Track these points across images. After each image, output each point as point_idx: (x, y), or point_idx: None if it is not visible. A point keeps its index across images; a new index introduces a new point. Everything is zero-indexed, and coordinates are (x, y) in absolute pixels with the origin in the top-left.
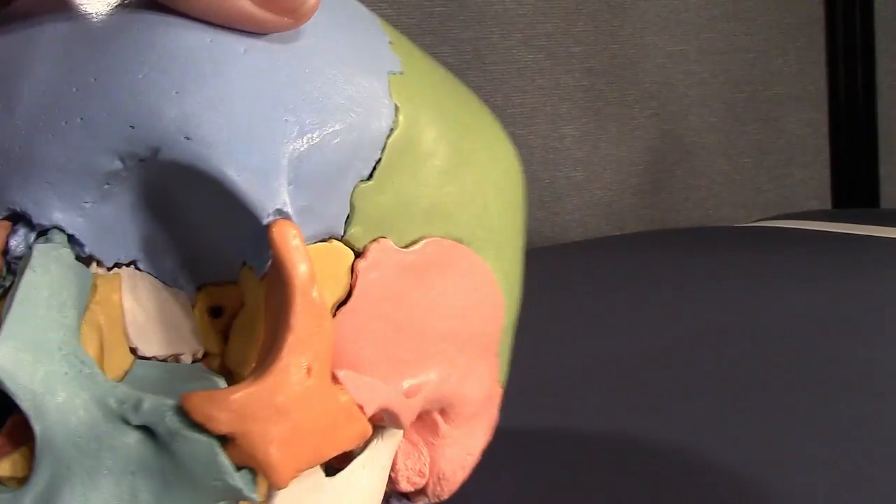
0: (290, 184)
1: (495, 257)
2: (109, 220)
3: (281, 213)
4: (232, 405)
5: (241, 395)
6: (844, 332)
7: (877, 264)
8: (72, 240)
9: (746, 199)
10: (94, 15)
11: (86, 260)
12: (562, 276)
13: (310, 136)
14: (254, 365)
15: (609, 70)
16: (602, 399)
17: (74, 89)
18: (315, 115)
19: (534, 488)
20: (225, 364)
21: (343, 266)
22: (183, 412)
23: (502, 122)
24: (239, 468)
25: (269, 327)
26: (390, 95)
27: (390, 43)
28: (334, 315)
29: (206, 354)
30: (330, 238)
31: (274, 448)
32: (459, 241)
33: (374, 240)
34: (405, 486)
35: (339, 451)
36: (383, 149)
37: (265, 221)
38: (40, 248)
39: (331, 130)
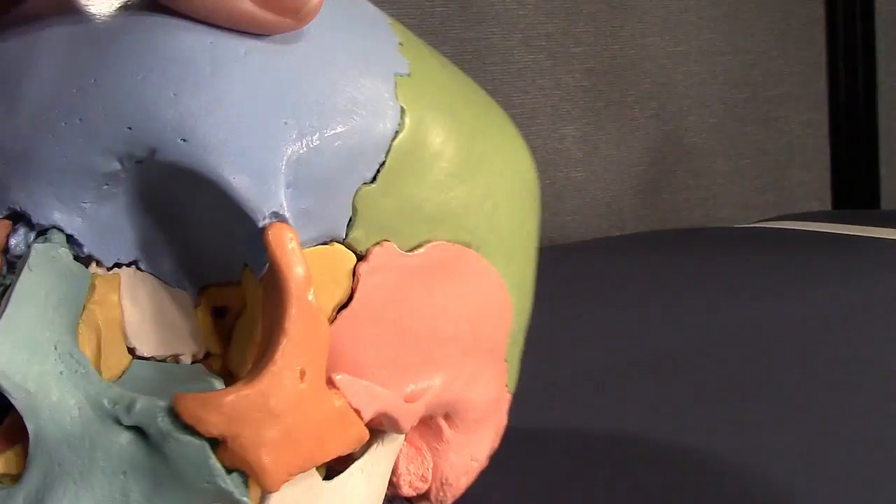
0: (288, 187)
1: (504, 262)
2: (109, 221)
3: (277, 216)
4: (223, 408)
5: (233, 398)
6: (845, 334)
7: (877, 265)
8: (71, 240)
9: (746, 199)
10: (98, 17)
11: (85, 260)
12: (562, 276)
13: (309, 138)
14: (250, 367)
15: (609, 70)
16: (602, 400)
17: (75, 90)
18: (315, 118)
19: (534, 491)
20: (226, 365)
21: (344, 269)
22: (175, 414)
23: None
24: (230, 471)
25: (265, 330)
26: (396, 98)
27: (400, 44)
28: (335, 318)
29: (208, 355)
30: (331, 241)
31: (265, 452)
32: (467, 245)
33: (378, 243)
34: (407, 491)
35: (334, 456)
36: (388, 151)
37: (261, 224)
38: (38, 248)
39: (331, 133)
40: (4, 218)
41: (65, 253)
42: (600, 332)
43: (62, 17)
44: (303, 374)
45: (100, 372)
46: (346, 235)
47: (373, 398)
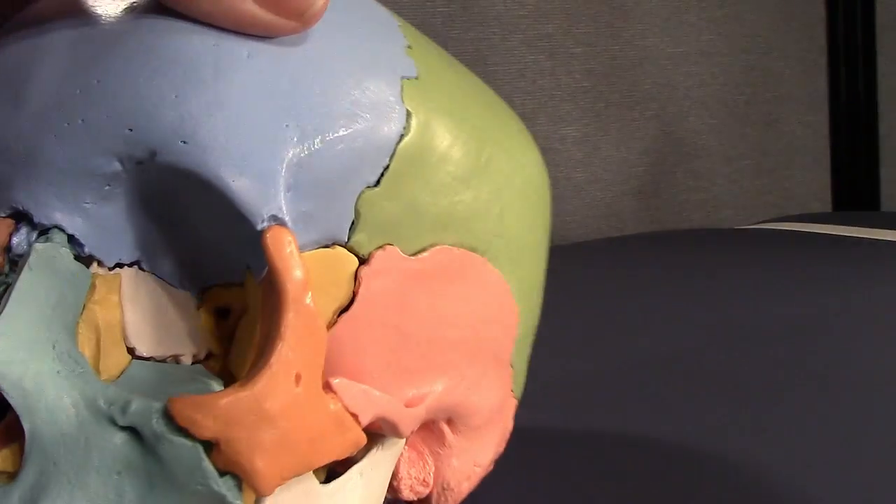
0: (288, 190)
1: (511, 267)
2: (110, 221)
3: (276, 220)
4: (217, 411)
5: (227, 401)
6: (845, 335)
7: (877, 267)
8: (72, 240)
9: (747, 201)
10: (103, 18)
11: (86, 260)
12: (561, 277)
13: (311, 141)
14: (248, 369)
15: (610, 71)
16: (601, 401)
17: (78, 91)
18: (318, 121)
19: (534, 492)
20: (228, 366)
21: (345, 272)
22: (169, 416)
23: None
24: (223, 474)
25: (263, 333)
26: (402, 101)
27: (408, 47)
28: (335, 321)
29: (209, 356)
30: (333, 244)
31: (259, 455)
32: (473, 249)
33: (380, 247)
34: (408, 495)
35: (330, 460)
36: (392, 155)
37: (259, 227)
38: (38, 248)
39: (334, 136)
40: (7, 217)
41: (66, 253)
42: (600, 333)
43: (69, 18)
44: (298, 377)
45: (98, 372)
46: (349, 239)
47: (371, 403)
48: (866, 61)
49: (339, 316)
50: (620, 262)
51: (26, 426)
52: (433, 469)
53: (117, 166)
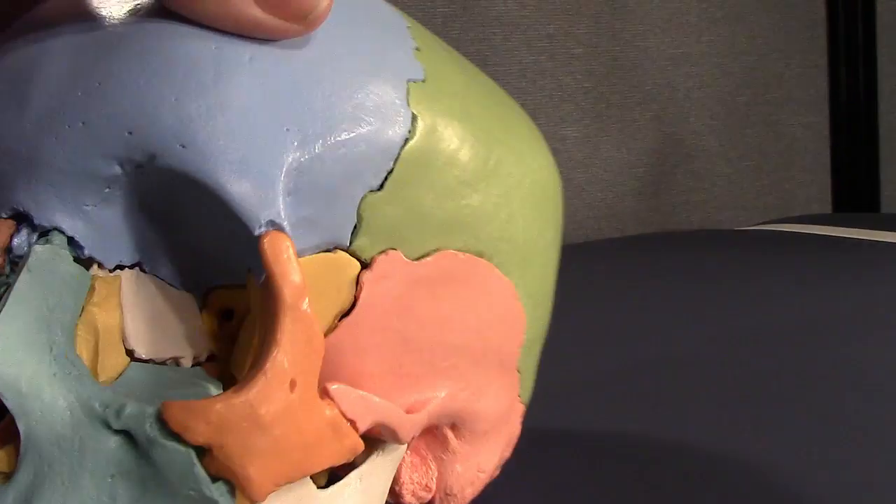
0: (288, 194)
1: (519, 271)
2: (111, 223)
3: (274, 225)
4: (210, 416)
5: (220, 406)
6: (845, 337)
7: (877, 269)
8: (72, 242)
9: (747, 202)
10: (107, 21)
11: (86, 262)
12: (561, 278)
13: (312, 146)
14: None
15: (611, 72)
16: (601, 402)
17: (80, 93)
18: (319, 125)
19: (535, 494)
20: (229, 368)
21: (346, 277)
22: (163, 420)
23: None
24: (216, 479)
25: (260, 338)
26: (408, 104)
27: (416, 49)
28: (336, 326)
29: (212, 358)
30: (335, 248)
31: (251, 461)
32: (479, 254)
33: (383, 251)
34: (410, 500)
35: (325, 467)
36: (396, 159)
37: (257, 233)
38: (38, 250)
39: (335, 140)
40: (8, 218)
41: (65, 255)
42: (599, 334)
43: (74, 20)
44: (293, 384)
45: (97, 374)
46: (351, 243)
47: (369, 408)
48: (867, 63)
49: (340, 320)
50: (620, 262)
51: (21, 428)
52: (436, 474)
53: (117, 169)
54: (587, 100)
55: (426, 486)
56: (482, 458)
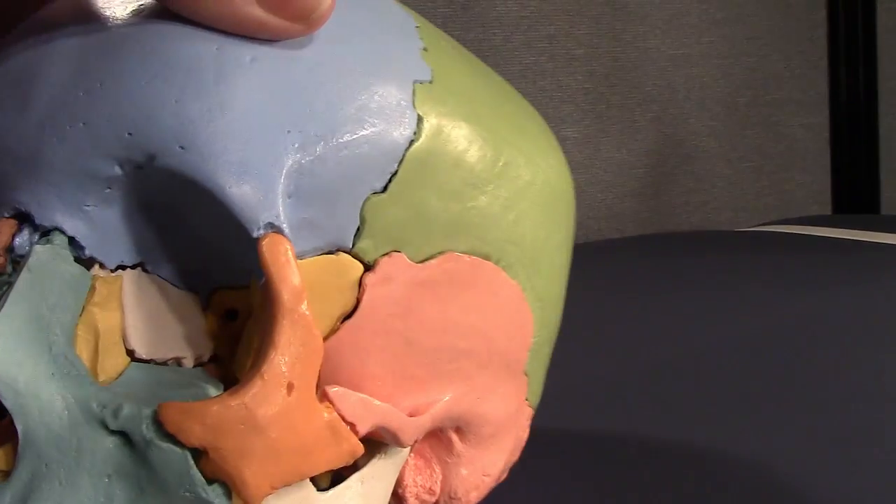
0: (289, 196)
1: (527, 274)
2: (112, 223)
3: (273, 227)
4: (206, 419)
5: (216, 409)
6: (844, 338)
7: (877, 270)
8: (73, 242)
9: (747, 203)
10: (110, 23)
11: (87, 262)
12: None
13: (313, 148)
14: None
15: (611, 73)
16: (601, 403)
17: (82, 94)
18: (321, 127)
19: (535, 496)
20: (232, 369)
21: (348, 279)
22: (159, 421)
23: None
24: (212, 482)
25: (259, 340)
26: (414, 105)
27: (424, 49)
28: (338, 328)
29: (215, 358)
30: (337, 250)
31: (247, 464)
32: (486, 257)
33: (386, 253)
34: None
35: (323, 470)
36: (401, 161)
37: (255, 235)
38: (38, 250)
39: (337, 142)
40: (10, 218)
41: (66, 255)
42: (599, 335)
43: (76, 22)
44: (290, 387)
45: (96, 374)
46: (353, 245)
47: (369, 412)
48: (867, 64)
49: (342, 323)
50: (620, 263)
51: (19, 427)
52: (440, 478)
53: (117, 170)
54: (587, 100)
55: (430, 489)
56: (488, 461)
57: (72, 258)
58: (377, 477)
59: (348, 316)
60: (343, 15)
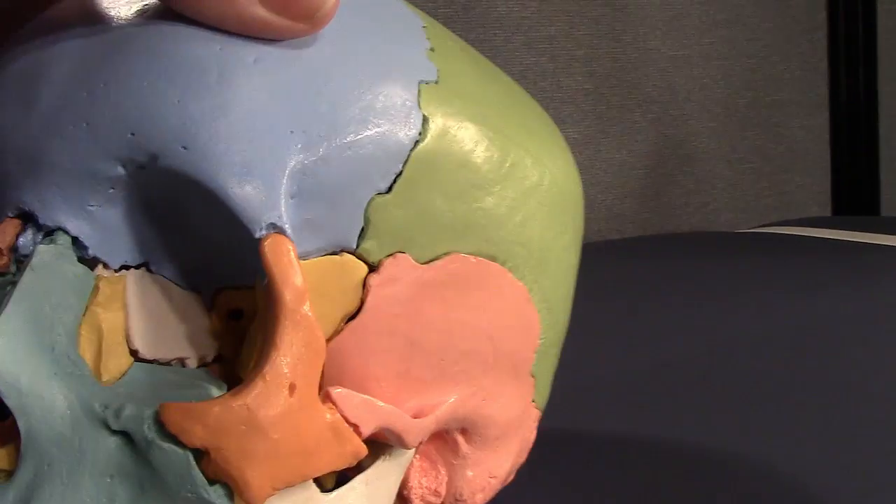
0: (291, 197)
1: (533, 276)
2: (115, 223)
3: (275, 227)
4: (207, 419)
5: (218, 409)
6: (844, 339)
7: (877, 272)
8: (76, 242)
9: (747, 204)
10: (114, 23)
11: (90, 262)
12: None
13: (317, 148)
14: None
15: (611, 74)
16: (601, 404)
17: (85, 94)
18: (325, 127)
19: (536, 497)
20: (236, 369)
21: (352, 280)
22: (161, 422)
23: None
24: (213, 482)
25: (261, 341)
26: (419, 106)
27: (430, 49)
28: (342, 329)
29: (219, 358)
30: (341, 251)
31: (249, 465)
32: (492, 258)
33: (391, 254)
34: None
35: (325, 471)
36: (406, 161)
37: (257, 235)
38: (41, 249)
39: (341, 143)
40: (14, 217)
41: (69, 254)
42: (599, 336)
43: (81, 23)
44: (292, 388)
45: (99, 374)
46: (357, 246)
47: (372, 413)
48: (867, 65)
49: (346, 324)
50: (620, 264)
51: (22, 426)
52: (446, 479)
53: (120, 170)
54: (588, 101)
55: (435, 490)
56: (494, 463)
57: (75, 258)
58: (382, 478)
59: (352, 317)
60: (348, 15)
